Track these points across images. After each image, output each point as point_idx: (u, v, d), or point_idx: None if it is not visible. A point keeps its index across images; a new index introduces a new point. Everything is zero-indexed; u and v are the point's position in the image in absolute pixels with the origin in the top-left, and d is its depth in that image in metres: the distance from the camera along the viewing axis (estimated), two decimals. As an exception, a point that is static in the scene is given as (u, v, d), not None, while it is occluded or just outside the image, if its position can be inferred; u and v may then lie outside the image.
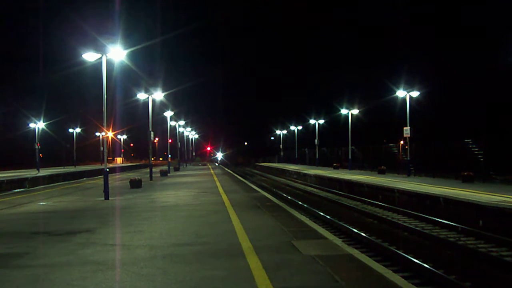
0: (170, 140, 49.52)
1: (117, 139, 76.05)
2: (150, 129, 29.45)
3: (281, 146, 72.83)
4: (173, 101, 47.42)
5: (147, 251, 7.71)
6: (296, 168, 46.20)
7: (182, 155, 69.56)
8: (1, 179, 27.31)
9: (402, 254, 9.74)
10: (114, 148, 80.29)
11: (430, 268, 8.55)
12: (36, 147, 42.48)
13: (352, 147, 39.64)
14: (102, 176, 17.86)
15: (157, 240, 8.64)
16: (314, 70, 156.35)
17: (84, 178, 37.71)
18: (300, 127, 63.63)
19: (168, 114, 43.94)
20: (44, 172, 37.72)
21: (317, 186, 29.31)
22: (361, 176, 28.43)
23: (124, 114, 75.92)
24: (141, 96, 30.92)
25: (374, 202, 19.09)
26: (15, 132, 61.18)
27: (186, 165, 67.04)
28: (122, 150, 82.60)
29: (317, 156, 49.85)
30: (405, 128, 28.22)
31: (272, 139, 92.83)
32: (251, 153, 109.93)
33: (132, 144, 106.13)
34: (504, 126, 44.87)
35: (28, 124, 46.60)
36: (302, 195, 25.22)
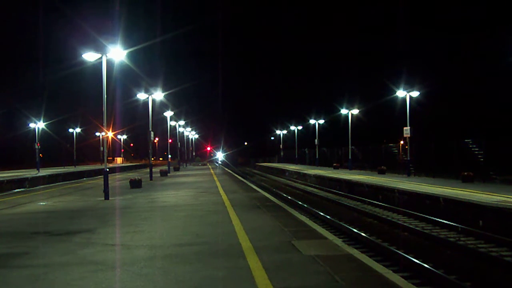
0: (170, 140, 49.54)
1: (117, 139, 76.09)
2: (150, 129, 29.46)
3: (281, 146, 72.83)
4: (173, 101, 47.52)
5: (147, 251, 7.71)
6: (296, 168, 46.20)
7: (182, 155, 69.60)
8: (1, 179, 27.31)
9: (402, 254, 9.75)
10: (114, 148, 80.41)
11: (430, 268, 8.55)
12: (36, 147, 42.46)
13: (352, 147, 39.63)
14: (102, 176, 17.86)
15: (157, 240, 8.64)
16: (314, 70, 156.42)
17: (84, 178, 37.71)
18: (300, 127, 63.65)
19: (168, 114, 43.94)
20: (44, 172, 37.72)
21: (317, 186, 29.31)
22: (361, 176, 28.42)
23: (124, 114, 75.97)
24: (141, 96, 30.92)
25: (374, 202, 19.10)
26: (15, 132, 61.21)
27: (186, 165, 67.02)
28: (122, 150, 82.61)
29: (317, 156, 49.85)
30: (405, 128, 28.22)
31: (272, 139, 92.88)
32: (251, 153, 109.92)
33: (132, 144, 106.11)
34: (504, 126, 44.87)
35: (28, 124, 46.60)
36: (302, 195, 25.22)
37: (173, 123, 52.54)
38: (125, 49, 17.64)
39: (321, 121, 54.05)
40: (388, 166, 31.04)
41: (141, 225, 10.48)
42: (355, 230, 12.57)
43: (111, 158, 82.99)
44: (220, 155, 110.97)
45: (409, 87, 29.11)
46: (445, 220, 13.67)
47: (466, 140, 23.79)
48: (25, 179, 29.41)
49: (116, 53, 17.40)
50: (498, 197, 14.51)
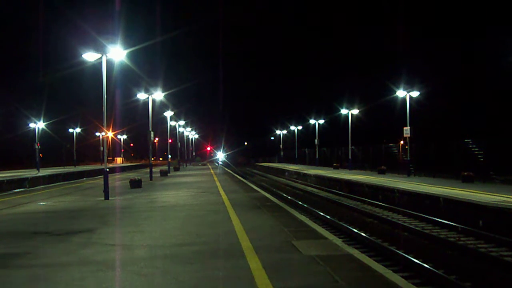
0: (170, 140, 49.52)
1: (117, 139, 76.06)
2: (150, 129, 29.45)
3: (281, 146, 72.84)
4: (173, 101, 47.50)
5: (147, 251, 7.72)
6: (296, 168, 46.19)
7: (182, 155, 69.57)
8: (1, 179, 27.31)
9: (402, 254, 9.75)
10: (114, 148, 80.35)
11: (430, 268, 8.56)
12: (36, 147, 42.46)
13: (352, 147, 39.64)
14: (102, 176, 17.86)
15: (157, 240, 8.65)
16: (314, 70, 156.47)
17: (84, 178, 37.71)
18: (300, 127, 63.67)
19: (168, 114, 43.93)
20: (44, 172, 37.72)
21: (317, 186, 29.31)
22: (361, 176, 28.42)
23: (124, 114, 76.00)
24: (141, 96, 30.90)
25: (374, 202, 19.10)
26: (15, 132, 61.19)
27: (186, 165, 67.01)
28: (122, 150, 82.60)
29: (317, 156, 49.87)
30: (405, 128, 28.23)
31: (272, 139, 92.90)
32: (251, 153, 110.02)
33: (132, 144, 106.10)
34: (504, 126, 44.88)
35: (28, 124, 46.63)
36: (302, 195, 25.22)
37: (173, 123, 52.52)
38: (125, 49, 17.64)
39: (321, 121, 54.09)
40: (388, 166, 31.04)
41: (141, 225, 10.48)
42: (355, 230, 12.57)
43: (111, 158, 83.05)
44: (220, 155, 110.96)
45: (409, 87, 29.14)
46: (445, 220, 13.67)
47: (466, 140, 23.79)
48: (25, 179, 29.41)
49: (116, 53, 17.40)
50: (498, 197, 14.51)
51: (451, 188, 18.19)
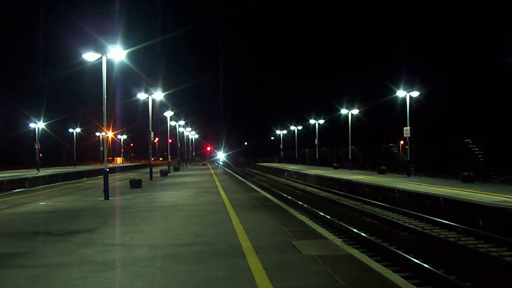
0: (170, 140, 49.51)
1: (117, 139, 76.06)
2: (150, 129, 29.45)
3: (281, 146, 72.86)
4: (173, 101, 47.51)
5: (147, 251, 7.72)
6: (296, 168, 46.20)
7: (182, 155, 69.56)
8: (1, 179, 27.30)
9: (402, 254, 9.75)
10: (114, 148, 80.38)
11: (430, 268, 8.56)
12: (36, 147, 42.48)
13: (352, 147, 39.64)
14: (102, 176, 17.86)
15: (157, 240, 8.64)
16: (314, 70, 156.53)
17: (84, 178, 37.71)
18: (300, 127, 63.69)
19: (168, 114, 43.92)
20: (44, 172, 37.72)
21: (317, 186, 29.31)
22: (361, 176, 28.42)
23: (124, 114, 76.05)
24: (141, 96, 30.91)
25: (374, 202, 19.10)
26: (15, 132, 61.22)
27: (186, 165, 67.00)
28: (122, 150, 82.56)
29: (317, 156, 49.87)
30: (405, 128, 28.23)
31: (272, 139, 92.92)
32: (251, 153, 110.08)
33: (132, 144, 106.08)
34: (504, 126, 44.87)
35: (28, 124, 46.65)
36: (302, 195, 25.22)
37: (173, 123, 52.52)
38: (125, 49, 17.64)
39: (321, 121, 54.10)
40: (388, 166, 31.05)
41: (141, 225, 10.48)
42: (355, 230, 12.57)
43: (111, 158, 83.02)
44: (221, 155, 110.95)
45: (409, 87, 29.16)
46: (445, 220, 13.67)
47: (466, 140, 23.80)
48: (25, 179, 29.41)
49: (116, 53, 17.40)
50: (498, 197, 14.51)
51: (451, 188, 18.19)
